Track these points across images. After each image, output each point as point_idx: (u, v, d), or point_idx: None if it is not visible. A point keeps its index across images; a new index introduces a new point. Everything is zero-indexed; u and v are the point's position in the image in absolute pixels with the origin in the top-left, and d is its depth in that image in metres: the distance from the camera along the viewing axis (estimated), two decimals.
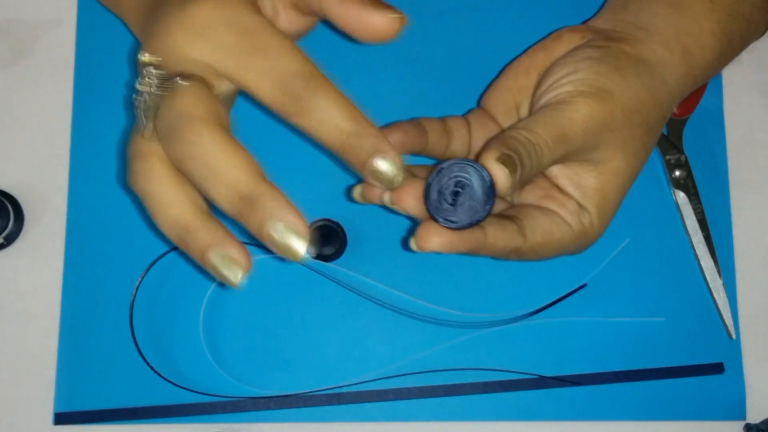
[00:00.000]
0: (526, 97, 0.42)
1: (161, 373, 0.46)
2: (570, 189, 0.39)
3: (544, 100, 0.39)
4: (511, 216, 0.39)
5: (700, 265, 0.48)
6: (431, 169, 0.35)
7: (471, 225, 0.35)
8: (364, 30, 0.33)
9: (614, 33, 0.41)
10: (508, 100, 0.43)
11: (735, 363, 0.48)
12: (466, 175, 0.35)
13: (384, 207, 0.38)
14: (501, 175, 0.35)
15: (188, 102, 0.31)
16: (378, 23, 0.33)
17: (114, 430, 0.46)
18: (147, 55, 0.31)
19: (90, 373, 0.46)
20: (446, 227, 0.35)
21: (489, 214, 0.35)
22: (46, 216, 0.48)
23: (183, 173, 0.31)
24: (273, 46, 0.31)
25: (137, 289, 0.47)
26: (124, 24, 0.43)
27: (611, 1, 0.44)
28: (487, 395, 0.47)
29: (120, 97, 0.49)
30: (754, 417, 0.48)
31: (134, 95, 0.32)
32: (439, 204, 0.35)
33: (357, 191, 0.40)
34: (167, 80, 0.31)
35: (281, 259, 0.31)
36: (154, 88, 0.31)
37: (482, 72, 0.47)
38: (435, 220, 0.35)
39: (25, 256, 0.48)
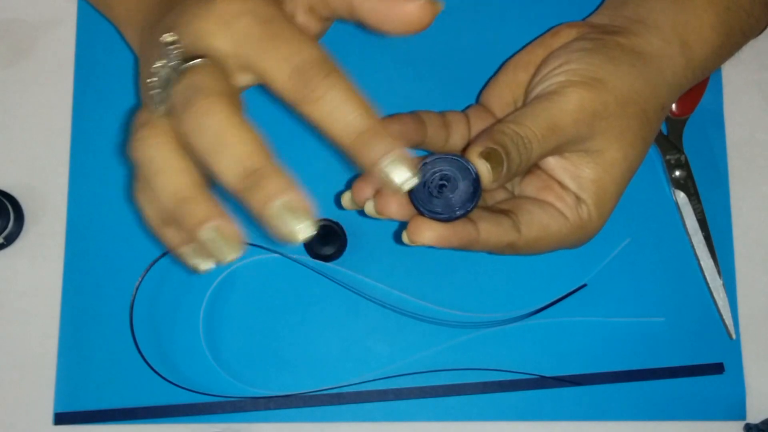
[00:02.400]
0: (524, 92, 0.42)
1: (161, 373, 0.46)
2: (567, 181, 0.39)
3: (536, 91, 0.39)
4: (506, 210, 0.39)
5: (700, 265, 0.48)
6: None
7: (457, 217, 0.35)
8: (398, 21, 0.33)
9: (611, 27, 0.41)
10: (507, 95, 0.43)
11: (735, 363, 0.48)
12: (451, 169, 0.35)
13: (367, 215, 0.38)
14: (484, 170, 0.35)
15: (205, 77, 0.31)
16: (411, 12, 0.33)
17: (114, 430, 0.46)
18: (171, 35, 0.31)
19: (90, 373, 0.46)
20: (433, 219, 0.35)
21: (474, 206, 0.35)
22: (46, 216, 0.48)
23: (189, 146, 0.31)
24: (293, 36, 0.31)
25: (137, 289, 0.47)
26: (115, 26, 0.44)
27: None
28: (487, 395, 0.47)
29: (120, 97, 0.49)
30: (754, 417, 0.48)
31: (150, 71, 0.32)
32: (424, 197, 0.35)
33: (346, 198, 0.40)
34: (187, 59, 0.31)
35: (279, 245, 0.31)
36: (173, 65, 0.31)
37: (481, 69, 0.47)
38: (420, 212, 0.35)
39: (25, 256, 0.48)
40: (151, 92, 0.32)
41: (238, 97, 0.32)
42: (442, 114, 0.42)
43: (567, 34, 0.41)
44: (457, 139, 0.42)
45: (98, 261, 0.47)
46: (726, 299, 0.48)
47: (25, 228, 0.48)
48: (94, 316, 0.47)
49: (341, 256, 0.47)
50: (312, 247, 0.47)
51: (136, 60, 0.42)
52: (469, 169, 0.35)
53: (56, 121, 0.49)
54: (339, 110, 0.30)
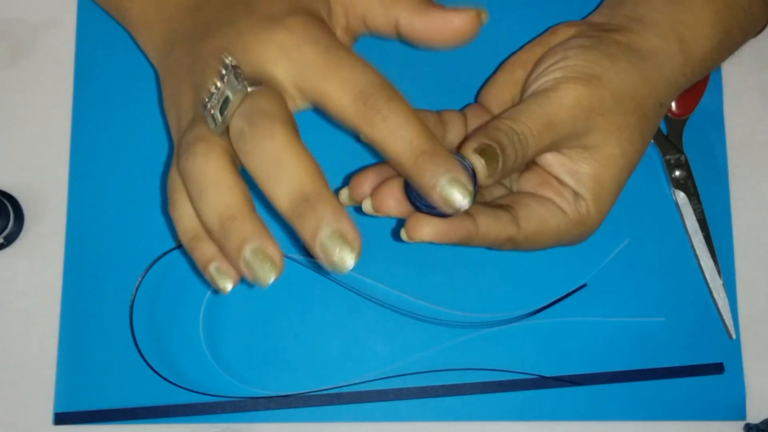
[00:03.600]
0: (521, 91, 0.42)
1: (161, 373, 0.46)
2: (565, 177, 0.39)
3: (532, 88, 0.39)
4: (505, 205, 0.39)
5: (700, 265, 0.48)
6: None
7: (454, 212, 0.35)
8: (447, 35, 0.35)
9: (609, 25, 0.41)
10: (505, 94, 0.43)
11: (735, 363, 0.48)
12: None
13: (364, 213, 0.38)
14: (479, 166, 0.35)
15: (268, 101, 0.31)
16: (460, 26, 0.34)
17: (114, 430, 0.46)
18: (231, 59, 0.32)
19: (90, 373, 0.46)
20: (429, 214, 0.35)
21: (472, 201, 0.35)
22: (46, 216, 0.48)
23: (247, 168, 0.31)
24: (353, 62, 0.33)
25: (137, 289, 0.47)
26: (124, 27, 0.44)
27: None
28: (487, 395, 0.47)
29: (120, 97, 0.49)
30: (754, 417, 0.48)
31: (207, 89, 0.32)
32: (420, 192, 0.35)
33: (344, 194, 0.40)
34: (247, 82, 0.32)
35: (324, 272, 0.31)
36: (234, 87, 0.31)
37: (479, 68, 0.47)
38: (416, 207, 0.35)
39: (25, 256, 0.48)
40: (211, 111, 0.32)
41: (295, 123, 0.32)
42: (438, 113, 0.42)
43: (565, 33, 0.41)
44: (453, 137, 0.42)
45: (98, 261, 0.47)
46: (726, 299, 0.48)
47: (25, 228, 0.48)
48: (94, 316, 0.47)
49: None
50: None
51: (154, 68, 0.42)
52: (465, 164, 0.35)
53: (56, 121, 0.49)
54: (400, 132, 0.31)
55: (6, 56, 0.49)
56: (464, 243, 0.37)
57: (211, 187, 0.32)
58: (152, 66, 0.43)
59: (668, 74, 0.40)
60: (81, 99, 0.49)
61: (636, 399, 0.47)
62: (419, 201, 0.35)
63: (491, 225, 0.37)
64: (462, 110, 0.43)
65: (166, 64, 0.39)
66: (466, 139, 0.36)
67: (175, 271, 0.47)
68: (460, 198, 0.31)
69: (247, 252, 0.31)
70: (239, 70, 0.31)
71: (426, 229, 0.36)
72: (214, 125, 0.32)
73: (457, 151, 0.35)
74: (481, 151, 0.35)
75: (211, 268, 0.34)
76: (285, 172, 0.30)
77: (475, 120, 0.43)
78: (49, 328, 0.47)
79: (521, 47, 0.43)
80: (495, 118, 0.37)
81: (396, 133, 0.31)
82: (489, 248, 0.39)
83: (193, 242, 0.34)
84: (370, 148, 0.32)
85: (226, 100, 0.32)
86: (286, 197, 0.30)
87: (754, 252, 0.49)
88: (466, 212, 0.36)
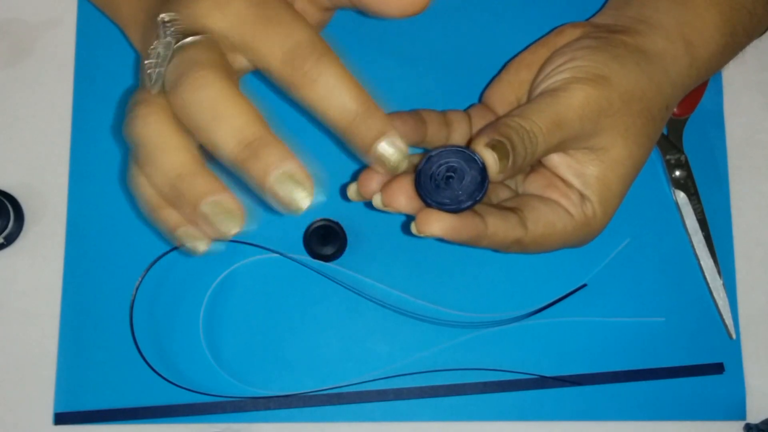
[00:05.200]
0: (527, 92, 0.42)
1: (161, 373, 0.46)
2: (571, 178, 0.39)
3: (541, 88, 0.39)
4: (512, 207, 0.39)
5: (700, 265, 0.48)
6: (421, 157, 0.35)
7: (465, 208, 0.35)
8: (397, 4, 0.33)
9: (615, 26, 0.41)
10: (509, 94, 0.43)
11: (735, 363, 0.48)
12: (458, 160, 0.35)
13: (374, 208, 0.38)
14: (491, 161, 0.35)
15: (200, 51, 0.31)
16: None
17: (114, 430, 0.46)
18: (168, 14, 0.31)
19: (90, 373, 0.46)
20: (440, 210, 0.35)
21: (482, 197, 0.35)
22: (46, 216, 0.48)
23: (185, 121, 0.31)
24: (285, 19, 0.31)
25: (137, 289, 0.47)
26: (119, 27, 0.44)
27: None
28: (487, 395, 0.47)
29: (120, 97, 0.49)
30: (754, 417, 0.48)
31: (147, 51, 0.32)
32: (431, 188, 0.35)
33: (352, 189, 0.39)
34: (182, 36, 0.31)
35: (279, 214, 0.30)
36: (169, 42, 0.31)
37: (484, 69, 0.47)
38: (428, 204, 0.35)
39: (25, 256, 0.48)
40: (148, 71, 0.31)
41: (234, 74, 0.32)
42: (443, 113, 0.42)
43: (571, 34, 0.41)
44: (457, 137, 0.42)
45: (98, 261, 0.47)
46: (726, 299, 0.48)
47: (25, 228, 0.48)
48: (94, 316, 0.47)
49: (341, 256, 0.47)
50: (312, 247, 0.47)
51: (139, 59, 0.42)
52: (475, 159, 0.35)
53: (56, 121, 0.49)
54: (333, 93, 0.30)
55: (6, 56, 0.49)
56: (473, 242, 0.37)
57: (155, 149, 0.31)
58: None
59: (674, 76, 0.40)
60: (81, 99, 0.49)
61: (636, 399, 0.47)
62: (429, 197, 0.35)
63: (500, 226, 0.37)
64: (466, 110, 0.43)
65: (141, 51, 0.39)
66: (476, 135, 0.36)
67: (175, 271, 0.47)
68: (392, 158, 0.31)
69: (205, 208, 0.30)
70: (173, 25, 0.31)
71: (436, 224, 0.35)
72: (150, 84, 0.32)
73: (468, 146, 0.35)
74: (493, 147, 0.35)
75: (179, 233, 0.33)
76: (224, 120, 0.29)
77: (479, 120, 0.43)
78: (49, 328, 0.47)
79: (526, 48, 0.43)
80: (504, 115, 0.37)
81: (328, 94, 0.30)
82: (495, 250, 0.39)
83: (155, 213, 0.33)
84: (306, 111, 0.32)
85: (165, 56, 0.31)
86: (230, 144, 0.30)
87: (754, 252, 0.49)
88: (476, 211, 0.36)
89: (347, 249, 0.47)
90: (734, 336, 0.48)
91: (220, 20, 0.32)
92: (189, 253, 0.34)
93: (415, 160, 0.41)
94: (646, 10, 0.41)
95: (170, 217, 0.33)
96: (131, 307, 0.46)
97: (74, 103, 0.49)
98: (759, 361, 0.48)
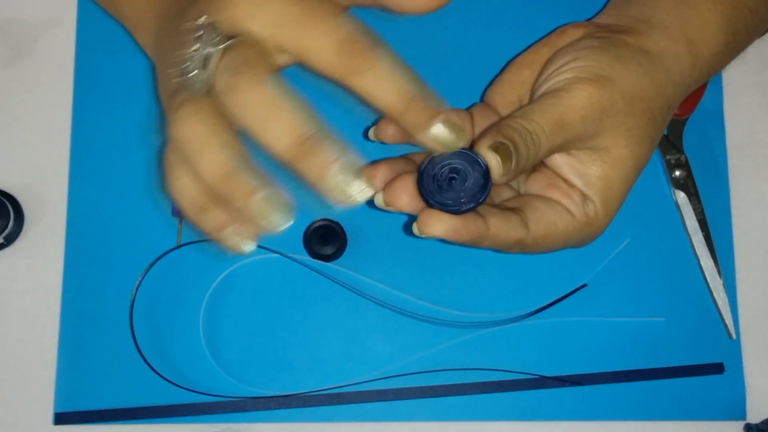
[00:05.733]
0: (528, 91, 0.42)
1: (161, 373, 0.46)
2: (573, 178, 0.39)
3: (543, 88, 0.39)
4: (514, 208, 0.39)
5: (700, 265, 0.48)
6: (424, 157, 0.35)
7: (467, 210, 0.35)
8: (417, 1, 0.34)
9: (617, 26, 0.41)
10: (511, 94, 0.43)
11: (735, 363, 0.48)
12: (461, 162, 0.35)
13: (376, 207, 0.38)
14: (494, 163, 0.35)
15: (250, 53, 0.31)
16: None
17: (114, 430, 0.46)
18: (205, 18, 0.31)
19: (90, 373, 0.46)
20: (441, 210, 0.35)
21: (485, 199, 0.35)
22: (46, 216, 0.48)
23: (239, 120, 0.31)
24: (329, 12, 0.32)
25: (137, 289, 0.47)
26: (126, 29, 0.44)
27: None
28: (487, 395, 0.47)
29: (120, 97, 0.49)
30: (754, 417, 0.48)
31: (183, 55, 0.32)
32: (434, 189, 0.35)
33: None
34: (221, 39, 0.31)
35: (329, 206, 0.31)
36: (211, 45, 0.31)
37: (486, 68, 0.47)
38: (430, 204, 0.35)
39: (25, 256, 0.48)
40: (189, 75, 0.31)
41: (278, 74, 0.32)
42: None
43: (573, 34, 0.41)
44: None
45: (98, 261, 0.47)
46: (726, 299, 0.48)
47: (25, 228, 0.48)
48: (94, 316, 0.47)
49: (341, 256, 0.47)
50: (312, 247, 0.47)
51: (151, 64, 0.42)
52: (478, 161, 0.35)
53: (56, 121, 0.49)
54: (389, 78, 0.31)
55: (6, 56, 0.49)
56: (474, 243, 0.37)
57: (206, 146, 0.31)
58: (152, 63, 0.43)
59: (676, 76, 0.40)
60: (81, 99, 0.49)
61: (636, 399, 0.47)
62: (432, 197, 0.35)
63: (502, 227, 0.37)
64: (468, 109, 0.43)
65: (157, 55, 0.39)
66: (478, 137, 0.36)
67: (175, 271, 0.47)
68: (452, 137, 0.32)
69: (255, 203, 0.31)
70: (215, 27, 0.31)
71: (438, 225, 0.35)
72: (197, 85, 0.32)
73: (471, 149, 0.35)
74: (496, 149, 0.35)
75: (228, 232, 0.33)
76: (280, 116, 0.30)
77: (481, 119, 0.43)
78: (49, 328, 0.47)
79: (528, 47, 0.43)
80: (507, 116, 0.37)
81: (385, 81, 0.31)
82: (497, 251, 0.39)
83: (201, 214, 0.33)
84: (358, 100, 0.32)
85: (207, 59, 0.31)
86: (284, 142, 0.30)
87: (754, 252, 0.49)
88: (478, 212, 0.36)
89: (347, 249, 0.47)
90: (734, 336, 0.48)
91: (262, 21, 0.32)
92: (230, 255, 0.34)
93: (419, 159, 0.41)
94: (648, 9, 0.41)
95: (214, 218, 0.33)
96: (131, 307, 0.46)
97: (74, 103, 0.49)
98: (759, 361, 0.48)
